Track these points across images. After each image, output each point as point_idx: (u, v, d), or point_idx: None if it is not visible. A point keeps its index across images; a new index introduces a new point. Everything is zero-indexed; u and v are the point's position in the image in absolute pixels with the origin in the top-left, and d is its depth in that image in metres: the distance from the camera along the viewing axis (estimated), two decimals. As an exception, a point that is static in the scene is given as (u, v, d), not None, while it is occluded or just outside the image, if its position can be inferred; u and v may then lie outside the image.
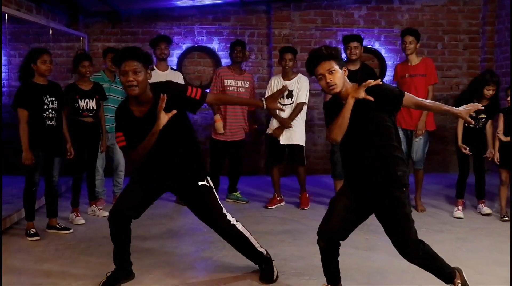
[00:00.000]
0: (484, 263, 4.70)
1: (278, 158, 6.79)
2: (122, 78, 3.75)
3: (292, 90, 6.62)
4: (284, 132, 6.62)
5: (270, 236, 5.54)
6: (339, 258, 3.80)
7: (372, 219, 3.72)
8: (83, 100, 6.08)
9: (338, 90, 3.50)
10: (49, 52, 5.54)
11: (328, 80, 3.46)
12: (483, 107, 3.74)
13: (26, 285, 4.24)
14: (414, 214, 5.93)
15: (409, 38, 6.38)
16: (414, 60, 6.46)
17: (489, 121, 6.24)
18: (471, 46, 9.15)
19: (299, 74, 6.77)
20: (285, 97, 6.63)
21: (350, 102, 3.47)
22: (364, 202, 3.58)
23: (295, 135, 6.63)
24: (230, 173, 7.17)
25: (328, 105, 3.74)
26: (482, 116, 6.16)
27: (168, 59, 8.58)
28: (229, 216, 4.21)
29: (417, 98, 3.64)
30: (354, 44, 6.43)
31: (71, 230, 5.69)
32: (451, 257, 4.79)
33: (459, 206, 6.40)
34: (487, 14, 8.98)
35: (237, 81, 6.82)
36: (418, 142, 6.47)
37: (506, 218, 6.00)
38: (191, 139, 4.11)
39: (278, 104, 6.58)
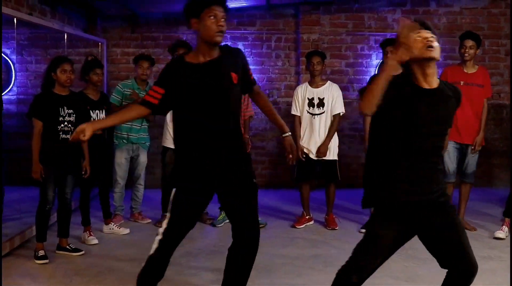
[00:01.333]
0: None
1: (308, 174, 6.27)
2: (210, 20, 3.19)
3: (323, 98, 6.12)
4: (315, 145, 6.12)
5: (299, 261, 5.03)
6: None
7: (410, 243, 3.17)
8: (94, 111, 5.68)
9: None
10: (70, 61, 5.12)
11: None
12: None
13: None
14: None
15: (470, 43, 5.93)
16: (471, 67, 5.97)
17: None
18: (514, 52, 8.55)
19: (329, 81, 6.30)
20: (315, 106, 6.14)
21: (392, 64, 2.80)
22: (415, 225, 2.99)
23: (328, 149, 6.12)
24: None
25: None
26: None
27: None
28: None
29: None
30: (390, 48, 5.91)
31: (83, 252, 5.23)
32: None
33: (504, 226, 5.84)
34: (531, 17, 8.38)
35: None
36: (474, 156, 6.06)
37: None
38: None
39: (307, 113, 6.13)
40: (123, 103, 6.14)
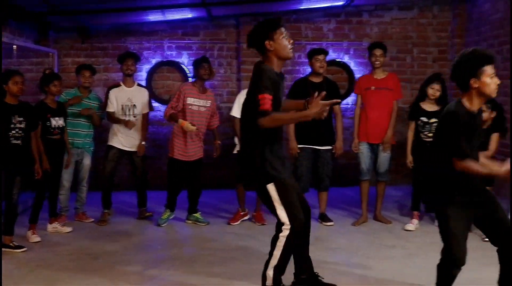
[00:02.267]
0: (430, 281, 4.67)
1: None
2: (286, 41, 4.03)
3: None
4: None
5: (223, 253, 5.54)
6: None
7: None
8: (54, 118, 6.20)
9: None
10: (21, 74, 5.69)
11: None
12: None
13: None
14: (371, 229, 6.00)
15: (379, 52, 6.49)
16: (380, 74, 6.52)
17: (494, 136, 6.08)
18: (440, 59, 9.16)
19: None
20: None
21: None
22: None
23: None
24: (190, 194, 6.90)
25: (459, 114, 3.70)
26: (434, 120, 6.13)
27: (138, 73, 8.70)
28: None
29: None
30: (322, 57, 6.48)
31: (25, 249, 5.68)
32: (398, 275, 4.83)
33: (413, 219, 6.41)
34: (456, 27, 9.00)
35: (200, 100, 6.64)
36: (386, 155, 6.54)
37: (487, 239, 5.87)
38: None
39: None
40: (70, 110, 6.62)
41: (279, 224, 4.00)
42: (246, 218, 6.87)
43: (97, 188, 7.37)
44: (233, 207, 7.28)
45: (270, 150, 3.97)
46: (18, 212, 5.85)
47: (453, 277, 3.90)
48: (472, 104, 3.71)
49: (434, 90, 6.14)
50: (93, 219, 6.89)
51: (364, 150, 6.52)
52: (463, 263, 3.79)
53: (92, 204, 7.16)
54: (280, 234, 3.95)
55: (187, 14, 8.66)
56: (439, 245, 5.63)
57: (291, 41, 4.05)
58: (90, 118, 6.81)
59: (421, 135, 6.26)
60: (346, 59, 8.96)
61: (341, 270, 4.86)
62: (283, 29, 4.04)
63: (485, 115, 5.86)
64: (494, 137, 5.91)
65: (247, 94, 4.05)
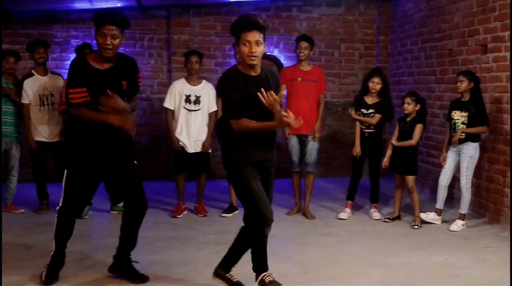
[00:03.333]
0: (362, 265, 4.86)
1: (184, 165, 6.64)
2: (100, 39, 4.00)
3: (200, 95, 6.56)
4: (190, 140, 6.54)
5: (159, 242, 5.52)
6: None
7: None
8: None
9: (255, 63, 3.78)
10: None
11: (254, 50, 3.71)
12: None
13: None
14: (304, 220, 6.12)
15: (304, 44, 6.57)
16: (306, 66, 6.64)
17: (377, 116, 6.40)
18: (367, 55, 9.47)
19: (204, 81, 6.75)
20: (192, 103, 6.55)
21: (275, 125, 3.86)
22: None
23: (201, 143, 6.59)
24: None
25: (232, 77, 3.84)
26: (371, 111, 6.41)
27: (65, 62, 8.50)
28: None
29: None
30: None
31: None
32: (332, 260, 4.99)
33: (346, 208, 6.62)
34: (381, 24, 9.32)
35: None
36: (314, 146, 6.62)
37: (416, 226, 6.12)
38: None
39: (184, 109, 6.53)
40: None
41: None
42: (185, 212, 6.75)
43: (25, 180, 7.19)
44: (164, 198, 7.27)
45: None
46: None
47: (265, 237, 4.00)
48: (244, 68, 3.86)
49: (374, 84, 6.39)
50: (23, 210, 6.68)
51: (294, 143, 6.60)
52: (272, 220, 3.93)
53: (21, 196, 6.97)
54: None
55: (116, 3, 8.50)
56: (370, 232, 5.93)
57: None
58: (14, 103, 6.60)
59: (361, 126, 6.49)
60: (276, 53, 9.09)
61: (279, 256, 4.95)
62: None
63: (409, 107, 6.17)
64: (418, 128, 6.19)
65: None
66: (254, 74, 3.87)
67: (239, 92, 3.79)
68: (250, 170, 3.90)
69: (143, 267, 4.62)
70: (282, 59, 9.11)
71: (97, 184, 4.42)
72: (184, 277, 4.48)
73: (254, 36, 3.72)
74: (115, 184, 4.65)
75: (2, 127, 6.46)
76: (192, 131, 6.55)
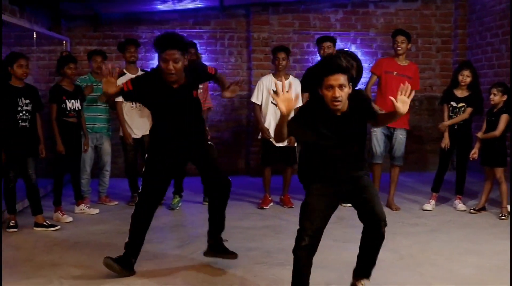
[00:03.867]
0: (457, 252, 4.95)
1: (272, 159, 6.82)
2: (163, 65, 4.06)
3: (287, 91, 6.65)
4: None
5: (253, 230, 5.74)
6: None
7: (348, 213, 3.93)
8: (69, 100, 6.28)
9: (340, 107, 3.46)
10: (25, 57, 5.80)
11: (337, 95, 3.38)
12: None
13: (17, 277, 4.37)
14: (390, 212, 6.22)
15: (401, 38, 6.65)
16: (403, 61, 6.69)
17: (468, 109, 6.45)
18: (444, 49, 9.48)
19: (291, 76, 6.83)
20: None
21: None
22: (340, 195, 3.72)
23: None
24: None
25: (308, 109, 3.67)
26: (461, 104, 6.47)
27: (150, 61, 8.87)
28: None
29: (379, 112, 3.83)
30: (327, 44, 6.64)
31: (58, 227, 5.84)
32: (426, 246, 5.10)
33: (431, 200, 6.67)
34: (459, 18, 9.32)
35: None
36: (402, 139, 6.68)
37: (503, 217, 6.14)
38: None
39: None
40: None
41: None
42: (271, 204, 6.96)
43: (117, 176, 7.58)
44: (247, 192, 7.51)
45: None
46: (39, 191, 6.00)
47: (298, 259, 3.54)
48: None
49: (463, 76, 6.43)
50: (117, 202, 7.04)
51: (378, 134, 6.68)
52: (307, 241, 3.52)
53: (114, 190, 7.35)
54: None
55: (198, 4, 8.83)
56: (458, 222, 5.99)
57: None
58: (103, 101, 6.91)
59: (450, 119, 6.55)
60: (353, 48, 9.20)
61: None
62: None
63: (496, 98, 6.18)
64: (503, 118, 6.18)
65: None
66: (338, 114, 3.54)
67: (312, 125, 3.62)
68: None
69: (242, 252, 4.83)
70: (359, 55, 9.13)
71: (171, 178, 4.63)
72: (284, 262, 4.67)
73: (337, 79, 3.37)
74: (200, 169, 4.65)
75: (95, 124, 6.84)
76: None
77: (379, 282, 4.11)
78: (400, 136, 6.65)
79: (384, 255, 4.77)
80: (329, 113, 3.52)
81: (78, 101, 6.41)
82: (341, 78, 3.36)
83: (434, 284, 4.15)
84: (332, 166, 3.60)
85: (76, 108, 6.37)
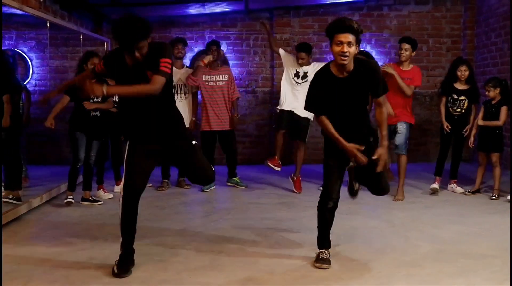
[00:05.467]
0: (443, 222, 5.71)
1: (285, 124, 7.40)
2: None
3: (307, 72, 7.41)
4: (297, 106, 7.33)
5: (268, 206, 6.58)
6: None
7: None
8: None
9: (346, 62, 3.96)
10: (98, 55, 6.73)
11: (345, 50, 3.89)
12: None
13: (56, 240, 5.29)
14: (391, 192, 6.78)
15: (406, 46, 7.15)
16: (406, 66, 7.27)
17: (472, 106, 7.17)
18: (453, 49, 10.17)
19: (313, 62, 7.58)
20: (300, 77, 7.45)
21: (348, 147, 4.14)
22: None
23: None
24: (227, 161, 7.90)
25: (319, 76, 4.15)
26: (462, 97, 7.15)
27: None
28: None
29: (385, 107, 4.32)
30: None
31: (102, 202, 6.77)
32: (417, 218, 5.88)
33: (436, 182, 7.33)
34: (467, 19, 10.01)
35: (213, 76, 7.61)
36: (401, 130, 7.12)
37: (494, 197, 6.85)
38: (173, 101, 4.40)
39: (293, 81, 7.42)
40: None
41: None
42: (278, 169, 7.48)
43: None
44: (268, 179, 8.34)
45: None
46: (93, 172, 6.94)
47: (325, 217, 4.38)
48: (335, 69, 4.09)
49: (462, 71, 7.11)
50: (151, 184, 7.91)
51: None
52: (333, 198, 4.31)
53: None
54: None
55: (226, 8, 9.68)
56: (452, 201, 6.72)
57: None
58: None
59: (450, 109, 7.22)
60: (368, 48, 9.95)
61: (370, 215, 5.90)
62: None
63: (491, 93, 6.88)
64: (504, 110, 6.87)
65: None
66: (342, 76, 4.08)
67: (321, 90, 4.15)
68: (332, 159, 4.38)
69: (256, 222, 5.71)
70: (374, 54, 9.93)
71: (148, 165, 4.35)
72: (293, 228, 5.49)
73: (347, 37, 3.92)
74: (182, 167, 4.99)
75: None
76: (299, 101, 7.21)
77: (372, 243, 4.93)
78: (400, 127, 7.15)
79: (378, 223, 5.64)
80: (333, 77, 4.09)
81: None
82: (350, 37, 3.91)
83: (416, 244, 4.91)
84: (340, 127, 4.18)
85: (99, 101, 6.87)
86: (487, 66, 9.47)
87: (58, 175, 7.57)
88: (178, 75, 7.68)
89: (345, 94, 4.12)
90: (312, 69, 7.39)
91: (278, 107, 7.58)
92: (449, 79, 7.36)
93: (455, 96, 7.20)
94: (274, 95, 9.80)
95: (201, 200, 7.03)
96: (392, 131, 7.25)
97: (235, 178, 7.92)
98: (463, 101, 7.17)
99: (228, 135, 7.81)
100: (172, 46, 7.63)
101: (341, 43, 3.91)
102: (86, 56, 6.87)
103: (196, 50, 9.96)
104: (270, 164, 7.42)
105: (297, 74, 7.49)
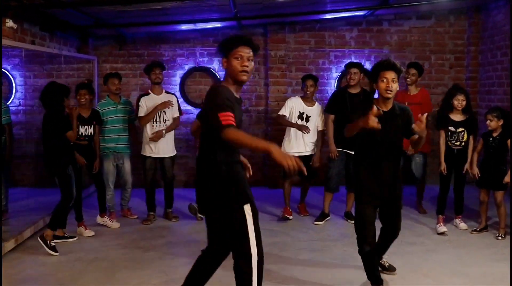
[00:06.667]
0: (445, 274, 5.28)
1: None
2: (235, 62, 3.63)
3: (310, 116, 7.24)
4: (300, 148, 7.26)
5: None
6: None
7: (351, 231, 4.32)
8: (83, 126, 6.85)
9: (391, 96, 4.53)
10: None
11: (390, 85, 4.46)
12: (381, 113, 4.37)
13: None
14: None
15: (413, 71, 7.10)
16: (413, 90, 7.00)
17: (471, 138, 6.71)
18: (457, 65, 9.71)
19: (317, 103, 7.43)
20: (304, 120, 7.24)
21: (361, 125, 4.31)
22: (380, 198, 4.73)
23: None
24: None
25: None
26: (460, 129, 6.67)
27: (172, 78, 9.32)
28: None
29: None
30: (354, 70, 7.02)
31: (76, 238, 6.48)
32: (416, 268, 5.44)
33: (440, 222, 6.83)
34: (471, 35, 9.53)
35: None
36: (418, 162, 7.31)
37: (500, 238, 6.40)
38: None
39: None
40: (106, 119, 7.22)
41: (243, 255, 3.72)
42: (291, 217, 7.40)
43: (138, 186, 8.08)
44: (263, 204, 7.93)
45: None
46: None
47: (368, 258, 4.70)
48: (380, 104, 4.60)
49: (459, 101, 6.63)
50: (137, 216, 7.52)
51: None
52: (369, 246, 4.66)
53: (135, 201, 7.84)
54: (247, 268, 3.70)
55: (217, 24, 9.24)
56: (455, 242, 6.29)
57: (246, 64, 3.64)
58: (125, 121, 7.35)
59: (449, 143, 6.76)
60: (367, 65, 9.49)
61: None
62: (241, 49, 3.64)
63: (492, 123, 6.41)
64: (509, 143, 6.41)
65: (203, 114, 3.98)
66: (385, 109, 4.59)
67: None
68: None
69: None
70: (373, 71, 9.50)
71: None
72: (282, 281, 5.07)
73: (391, 74, 4.48)
74: None
75: (117, 144, 7.30)
76: (301, 144, 7.24)
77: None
78: (417, 159, 7.09)
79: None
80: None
81: (92, 126, 6.94)
82: (393, 74, 4.48)
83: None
84: (377, 165, 4.64)
85: (89, 134, 6.91)
86: (492, 86, 9.01)
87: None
88: (157, 101, 7.26)
89: (386, 126, 4.49)
90: (316, 112, 7.31)
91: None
92: (444, 109, 6.87)
93: (452, 129, 6.73)
94: (269, 114, 9.37)
95: (187, 239, 6.59)
96: (407, 159, 7.16)
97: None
98: (462, 133, 6.70)
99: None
100: (148, 71, 7.29)
101: (387, 79, 4.48)
102: (76, 89, 6.93)
103: (186, 67, 9.52)
104: (286, 215, 7.37)
105: (301, 116, 7.25)
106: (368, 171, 4.64)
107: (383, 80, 4.47)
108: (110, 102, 7.30)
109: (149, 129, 7.25)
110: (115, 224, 7.08)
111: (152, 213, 7.43)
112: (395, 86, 4.48)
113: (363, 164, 4.68)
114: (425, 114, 4.40)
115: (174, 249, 6.18)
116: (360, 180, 4.69)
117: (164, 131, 7.19)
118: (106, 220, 7.08)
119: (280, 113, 7.34)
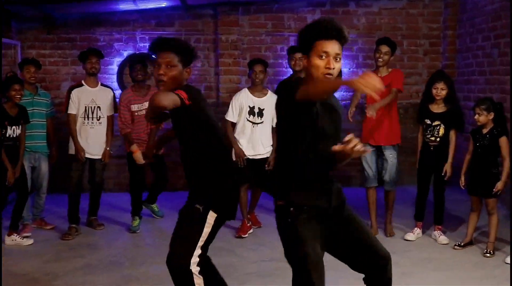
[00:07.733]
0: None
1: (247, 178, 6.04)
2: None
3: (263, 108, 6.04)
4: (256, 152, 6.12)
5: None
6: None
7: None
8: (11, 127, 5.78)
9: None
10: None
11: (332, 66, 2.82)
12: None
13: None
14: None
15: (385, 49, 5.90)
16: (384, 71, 5.95)
17: (452, 134, 5.73)
18: (432, 52, 8.68)
19: (270, 92, 6.18)
20: (256, 115, 6.05)
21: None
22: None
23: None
24: (153, 185, 6.75)
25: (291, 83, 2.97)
26: (437, 123, 5.71)
27: (109, 66, 8.15)
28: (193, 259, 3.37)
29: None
30: (299, 55, 5.88)
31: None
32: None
33: (416, 228, 5.97)
34: (448, 18, 8.51)
35: (144, 104, 6.13)
36: (392, 161, 5.98)
37: (488, 254, 5.36)
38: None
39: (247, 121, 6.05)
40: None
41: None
42: (251, 230, 6.26)
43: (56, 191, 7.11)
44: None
45: None
46: None
47: None
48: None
49: (437, 90, 5.66)
50: (53, 225, 6.41)
51: (367, 155, 5.91)
52: None
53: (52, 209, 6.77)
54: None
55: (161, 3, 8.09)
56: (436, 261, 5.22)
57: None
58: (43, 116, 6.33)
59: (425, 139, 5.82)
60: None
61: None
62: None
63: (481, 118, 5.35)
64: (504, 143, 5.35)
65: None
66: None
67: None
68: None
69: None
70: (338, 58, 8.44)
71: None
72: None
73: (334, 47, 2.86)
74: None
75: (33, 141, 6.18)
76: (259, 145, 6.09)
77: None
78: (390, 157, 5.94)
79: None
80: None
81: (20, 126, 5.85)
82: (337, 47, 2.85)
83: None
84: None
85: (16, 135, 5.83)
86: (472, 74, 7.99)
87: None
88: (92, 94, 6.25)
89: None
90: (269, 104, 5.93)
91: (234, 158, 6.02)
92: (424, 100, 5.91)
93: (428, 121, 5.75)
94: (220, 107, 8.17)
95: (113, 259, 5.40)
96: (379, 157, 6.03)
97: (153, 205, 6.91)
98: (438, 127, 5.72)
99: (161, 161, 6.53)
100: (84, 59, 6.25)
101: (326, 54, 2.83)
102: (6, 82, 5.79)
103: (125, 54, 8.31)
104: (244, 235, 6.10)
105: (251, 111, 6.05)
106: None
107: (322, 56, 2.84)
108: (25, 93, 6.09)
109: (79, 126, 6.21)
110: (26, 241, 5.86)
111: (74, 225, 6.22)
112: (338, 67, 2.87)
113: None
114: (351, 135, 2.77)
115: (92, 275, 4.97)
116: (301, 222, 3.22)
117: (108, 149, 6.37)
118: (15, 239, 5.85)
119: (227, 117, 6.13)
